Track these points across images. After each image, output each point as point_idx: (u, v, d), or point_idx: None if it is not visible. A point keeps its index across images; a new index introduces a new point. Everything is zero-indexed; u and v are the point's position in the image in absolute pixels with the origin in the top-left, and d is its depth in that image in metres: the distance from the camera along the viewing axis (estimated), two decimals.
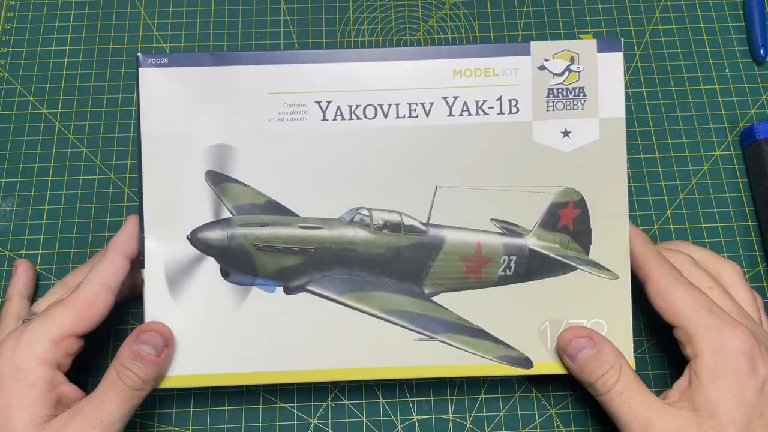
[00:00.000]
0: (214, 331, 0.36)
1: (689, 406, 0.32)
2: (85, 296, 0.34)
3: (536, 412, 0.40)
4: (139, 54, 0.37)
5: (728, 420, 0.31)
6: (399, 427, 0.40)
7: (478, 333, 0.37)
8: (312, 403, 0.41)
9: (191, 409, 0.40)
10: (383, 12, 0.50)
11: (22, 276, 0.41)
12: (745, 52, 0.48)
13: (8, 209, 0.45)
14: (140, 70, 0.36)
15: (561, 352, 0.36)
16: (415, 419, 0.40)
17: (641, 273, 0.36)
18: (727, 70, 0.48)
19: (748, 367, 0.32)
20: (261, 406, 0.40)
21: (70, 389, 0.34)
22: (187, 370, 0.36)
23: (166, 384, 0.36)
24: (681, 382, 0.34)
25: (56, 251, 0.44)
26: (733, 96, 0.47)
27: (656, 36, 0.49)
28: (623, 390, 0.33)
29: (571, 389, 0.41)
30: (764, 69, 0.48)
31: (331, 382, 0.41)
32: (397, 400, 0.41)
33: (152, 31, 0.49)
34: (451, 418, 0.40)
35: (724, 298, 0.35)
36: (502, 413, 0.40)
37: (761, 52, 0.47)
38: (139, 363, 0.34)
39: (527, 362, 0.37)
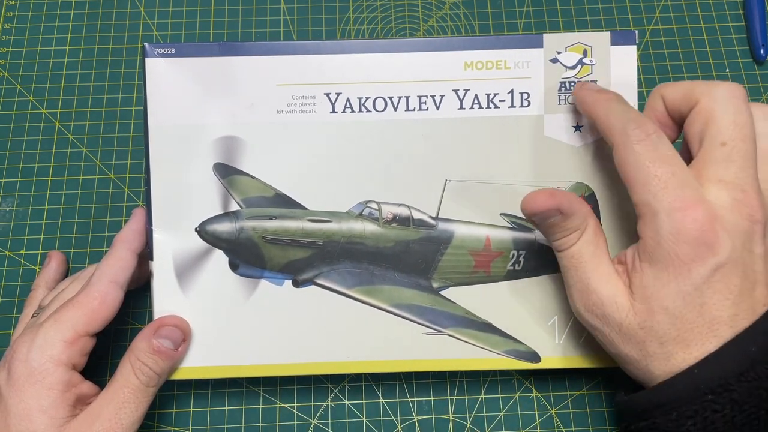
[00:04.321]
0: (222, 324, 0.37)
1: (627, 282, 0.31)
2: (95, 295, 0.34)
3: (536, 412, 0.40)
4: (145, 44, 0.36)
5: (659, 307, 0.29)
6: (399, 427, 0.40)
7: (486, 327, 0.37)
8: (312, 403, 0.40)
9: (191, 409, 0.40)
10: (383, 12, 0.50)
11: (52, 267, 0.41)
12: (745, 52, 0.48)
13: (8, 209, 0.45)
14: (147, 60, 0.36)
15: (526, 213, 0.33)
16: (415, 419, 0.40)
17: (609, 141, 0.32)
18: (727, 70, 0.48)
19: (693, 254, 0.29)
20: (261, 406, 0.40)
21: (87, 387, 0.34)
22: (195, 361, 0.36)
23: (175, 376, 0.36)
24: (632, 255, 0.31)
25: (56, 251, 0.43)
26: None
27: (656, 36, 0.49)
28: (576, 253, 0.32)
29: (571, 389, 0.41)
30: (764, 69, 0.48)
31: (332, 382, 0.41)
32: (397, 400, 0.41)
33: (152, 31, 0.49)
34: (451, 418, 0.40)
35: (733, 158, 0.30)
36: (502, 413, 0.40)
37: (761, 52, 0.48)
38: (156, 357, 0.34)
39: (535, 357, 0.37)
